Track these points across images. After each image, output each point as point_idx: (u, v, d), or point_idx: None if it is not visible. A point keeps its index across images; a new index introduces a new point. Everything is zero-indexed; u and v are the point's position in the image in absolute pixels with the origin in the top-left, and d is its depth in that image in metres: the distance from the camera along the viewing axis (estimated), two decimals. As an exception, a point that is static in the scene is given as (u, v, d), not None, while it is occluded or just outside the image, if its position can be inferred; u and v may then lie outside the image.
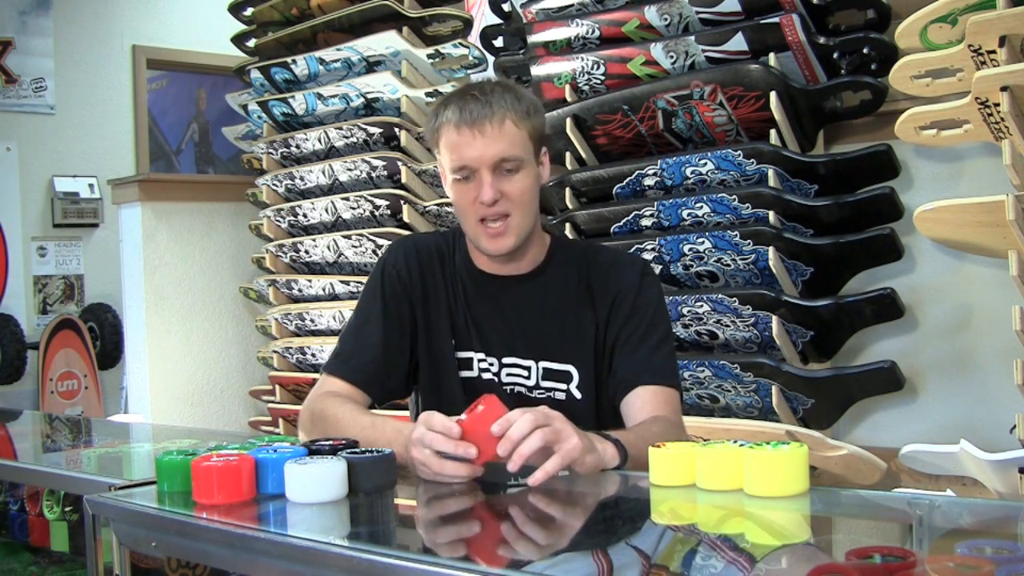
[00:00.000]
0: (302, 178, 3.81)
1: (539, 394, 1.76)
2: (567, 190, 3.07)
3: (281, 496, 1.37)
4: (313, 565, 1.17)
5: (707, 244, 2.73)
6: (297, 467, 1.36)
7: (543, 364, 1.77)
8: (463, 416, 1.46)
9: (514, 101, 1.71)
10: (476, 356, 1.79)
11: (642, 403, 1.71)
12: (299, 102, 3.80)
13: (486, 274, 1.81)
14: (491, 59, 3.53)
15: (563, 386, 1.77)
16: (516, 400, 1.75)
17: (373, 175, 3.58)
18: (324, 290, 3.77)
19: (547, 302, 1.80)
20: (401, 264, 1.82)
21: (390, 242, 3.47)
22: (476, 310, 1.80)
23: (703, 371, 2.71)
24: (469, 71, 3.63)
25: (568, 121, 3.03)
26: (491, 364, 1.78)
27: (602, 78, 3.02)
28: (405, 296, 1.80)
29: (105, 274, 5.31)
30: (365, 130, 3.59)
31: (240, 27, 4.26)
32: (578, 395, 1.76)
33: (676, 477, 1.38)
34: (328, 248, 3.69)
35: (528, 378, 1.77)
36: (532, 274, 1.81)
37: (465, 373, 1.79)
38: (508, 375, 1.77)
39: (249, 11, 4.12)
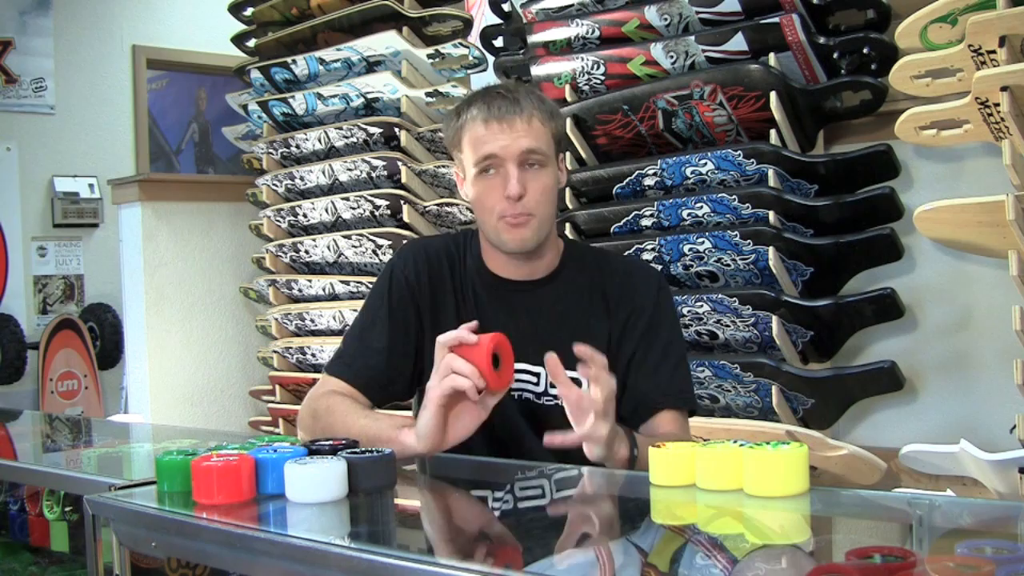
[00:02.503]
0: (302, 178, 3.81)
1: (547, 401, 1.76)
2: (567, 190, 3.07)
3: (281, 496, 1.37)
4: (313, 565, 1.17)
5: (707, 244, 2.73)
6: (297, 467, 1.36)
7: None
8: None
9: (539, 101, 1.74)
10: None
11: (666, 429, 1.74)
12: (299, 102, 3.80)
13: (499, 278, 1.80)
14: (491, 59, 3.53)
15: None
16: (522, 407, 1.75)
17: (373, 175, 3.58)
18: (324, 290, 3.77)
19: (559, 308, 1.79)
20: (410, 269, 1.81)
21: (390, 242, 3.49)
22: (487, 315, 1.78)
23: (703, 371, 2.71)
24: (469, 71, 3.63)
25: (568, 121, 3.03)
26: None
27: (602, 78, 3.02)
28: (412, 302, 1.79)
29: (105, 274, 5.31)
30: (365, 130, 3.59)
31: (240, 27, 4.26)
32: None
33: (676, 477, 1.38)
34: (328, 248, 3.69)
35: (537, 384, 1.76)
36: (546, 279, 1.80)
37: None
38: (518, 380, 1.76)
39: (249, 11, 4.12)
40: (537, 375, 1.76)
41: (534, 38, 3.18)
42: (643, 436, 1.65)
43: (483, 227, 1.77)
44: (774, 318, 2.63)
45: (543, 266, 1.80)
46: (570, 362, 1.76)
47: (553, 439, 1.50)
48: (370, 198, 3.55)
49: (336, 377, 1.78)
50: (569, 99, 3.08)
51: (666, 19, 2.89)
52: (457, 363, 1.48)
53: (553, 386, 1.75)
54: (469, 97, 1.77)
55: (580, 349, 1.52)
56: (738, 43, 2.76)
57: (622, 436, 1.56)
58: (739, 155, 2.73)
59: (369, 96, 3.62)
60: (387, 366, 1.78)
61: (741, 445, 1.34)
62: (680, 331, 1.86)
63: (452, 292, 1.80)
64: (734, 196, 2.71)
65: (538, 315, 1.78)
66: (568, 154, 3.12)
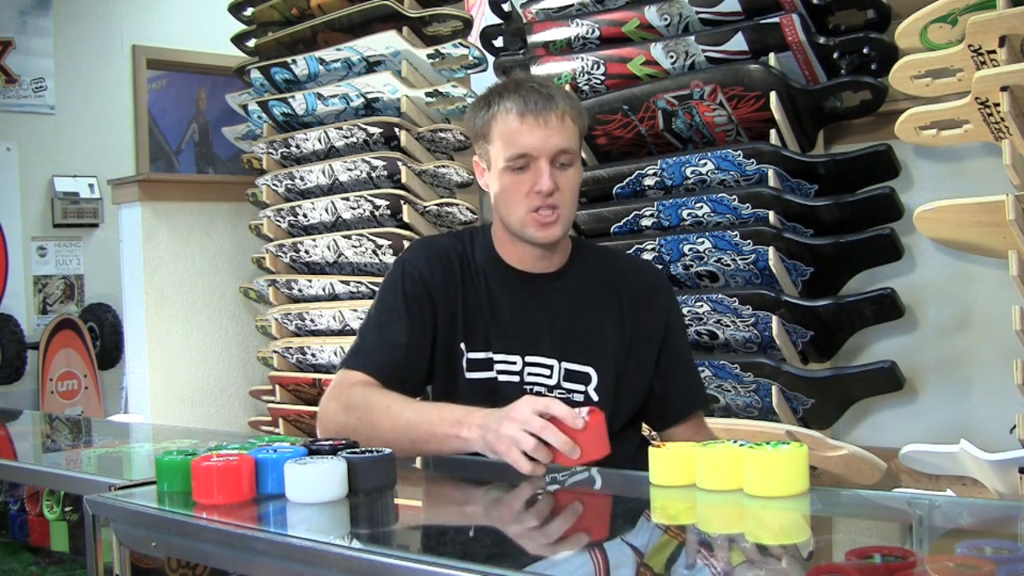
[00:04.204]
0: (302, 178, 3.81)
1: (559, 394, 1.75)
2: (567, 190, 3.07)
3: (281, 496, 1.37)
4: (313, 565, 1.17)
5: (707, 244, 2.73)
6: (297, 467, 1.36)
7: (565, 364, 1.76)
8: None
9: (569, 99, 1.75)
10: (496, 356, 1.77)
11: (696, 428, 1.87)
12: (299, 102, 3.80)
13: (515, 270, 1.80)
14: (491, 59, 3.53)
15: (581, 387, 1.76)
16: None
17: (373, 175, 3.58)
18: (324, 290, 3.77)
19: (572, 302, 1.80)
20: (422, 264, 1.80)
21: (390, 242, 3.49)
22: (501, 308, 1.78)
23: (703, 371, 2.71)
24: (469, 71, 3.63)
25: (568, 121, 3.03)
26: (514, 363, 1.77)
27: (602, 78, 3.02)
28: (426, 296, 1.78)
29: (105, 274, 5.31)
30: (365, 130, 3.59)
31: (240, 27, 4.25)
32: (595, 397, 1.76)
33: (676, 477, 1.38)
34: (328, 248, 3.69)
35: (550, 377, 1.77)
36: (558, 273, 1.81)
37: (477, 374, 1.77)
38: (530, 374, 1.76)
39: (249, 11, 4.12)
40: (550, 367, 1.76)
41: (534, 38, 3.18)
42: None
43: (507, 220, 1.76)
44: (774, 318, 2.63)
45: (556, 260, 1.81)
46: (582, 355, 1.77)
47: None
48: (370, 198, 3.55)
49: (357, 371, 1.74)
50: (569, 99, 3.08)
51: (666, 19, 2.89)
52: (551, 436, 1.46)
53: (566, 379, 1.76)
54: (499, 87, 1.76)
55: None
56: (738, 43, 2.76)
57: None
58: (739, 155, 2.73)
59: (369, 96, 3.62)
60: (406, 361, 1.76)
61: (741, 445, 1.34)
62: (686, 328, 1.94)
63: (462, 287, 1.79)
64: (734, 196, 2.71)
65: (552, 308, 1.79)
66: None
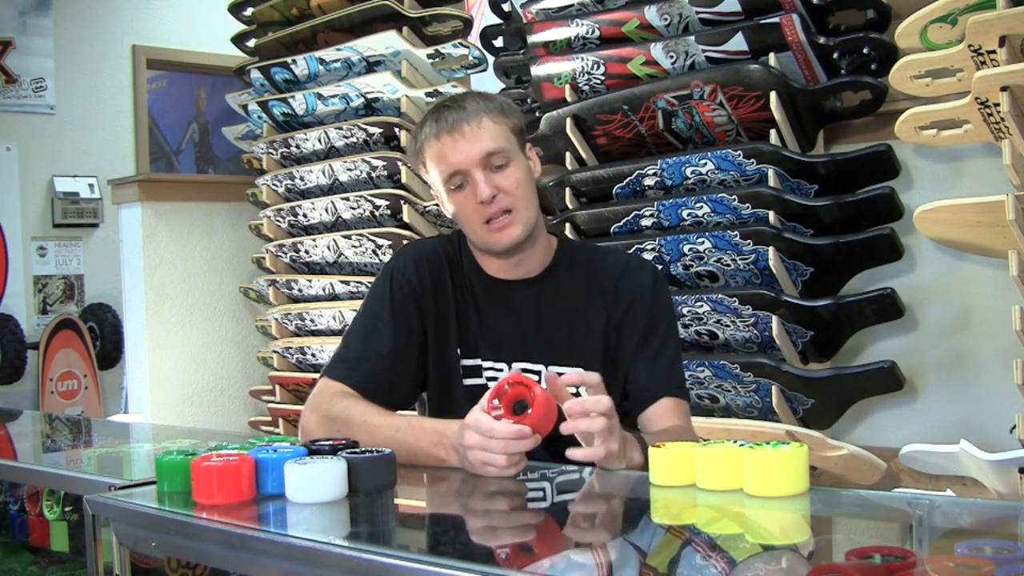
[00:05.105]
0: (302, 178, 3.81)
1: None
2: (567, 190, 3.07)
3: (281, 496, 1.37)
4: (313, 565, 1.17)
5: (707, 244, 2.73)
6: (297, 467, 1.36)
7: (553, 368, 1.76)
8: (497, 402, 1.48)
9: (487, 102, 1.74)
10: (484, 364, 1.77)
11: (664, 414, 1.74)
12: (299, 102, 3.80)
13: (496, 279, 1.80)
14: (491, 59, 3.53)
15: (571, 389, 1.76)
16: None
17: (373, 175, 3.58)
18: (324, 290, 3.77)
19: (557, 305, 1.79)
20: (411, 271, 1.80)
21: (390, 242, 3.49)
22: (487, 316, 1.78)
23: (703, 371, 2.71)
24: (469, 71, 3.63)
25: (568, 121, 3.03)
26: (501, 370, 1.76)
27: (602, 78, 3.02)
28: (415, 304, 1.78)
29: (105, 274, 5.31)
30: (365, 130, 3.59)
31: (240, 27, 4.26)
32: None
33: (676, 477, 1.38)
34: (328, 248, 3.69)
35: (538, 382, 1.76)
36: (541, 277, 1.80)
37: (471, 381, 1.77)
38: None
39: (249, 11, 4.13)
40: (538, 373, 1.76)
41: (534, 38, 3.18)
42: (651, 435, 1.65)
43: (471, 237, 1.78)
44: (774, 318, 2.63)
45: (537, 264, 1.80)
46: (569, 358, 1.76)
47: (575, 454, 1.48)
48: (370, 198, 3.55)
49: (339, 382, 1.74)
50: (569, 99, 3.08)
51: (666, 19, 2.89)
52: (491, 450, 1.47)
53: None
54: (421, 120, 1.78)
55: (570, 403, 1.52)
56: (738, 43, 2.76)
57: (633, 442, 1.56)
58: (739, 155, 2.73)
59: (369, 96, 3.62)
60: (391, 371, 1.75)
61: (741, 445, 1.34)
62: (676, 323, 1.88)
63: (452, 294, 1.80)
64: (734, 196, 2.71)
65: (537, 313, 1.79)
66: (568, 154, 3.13)
